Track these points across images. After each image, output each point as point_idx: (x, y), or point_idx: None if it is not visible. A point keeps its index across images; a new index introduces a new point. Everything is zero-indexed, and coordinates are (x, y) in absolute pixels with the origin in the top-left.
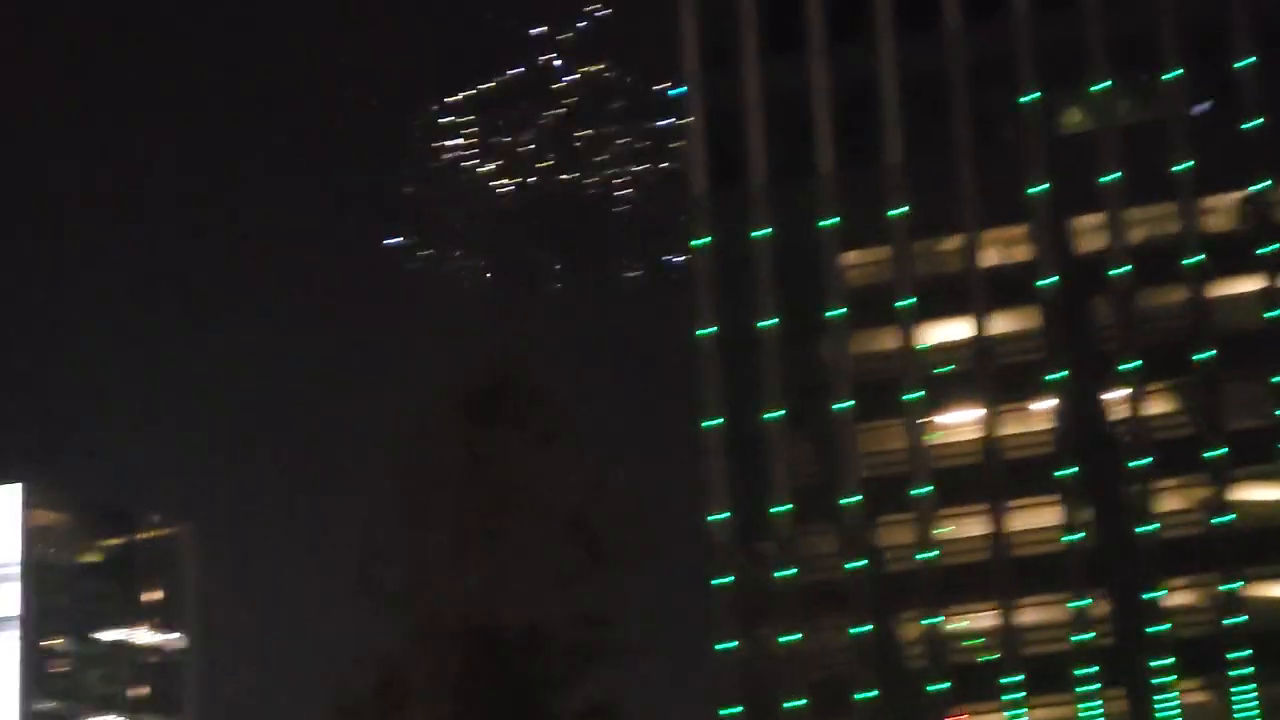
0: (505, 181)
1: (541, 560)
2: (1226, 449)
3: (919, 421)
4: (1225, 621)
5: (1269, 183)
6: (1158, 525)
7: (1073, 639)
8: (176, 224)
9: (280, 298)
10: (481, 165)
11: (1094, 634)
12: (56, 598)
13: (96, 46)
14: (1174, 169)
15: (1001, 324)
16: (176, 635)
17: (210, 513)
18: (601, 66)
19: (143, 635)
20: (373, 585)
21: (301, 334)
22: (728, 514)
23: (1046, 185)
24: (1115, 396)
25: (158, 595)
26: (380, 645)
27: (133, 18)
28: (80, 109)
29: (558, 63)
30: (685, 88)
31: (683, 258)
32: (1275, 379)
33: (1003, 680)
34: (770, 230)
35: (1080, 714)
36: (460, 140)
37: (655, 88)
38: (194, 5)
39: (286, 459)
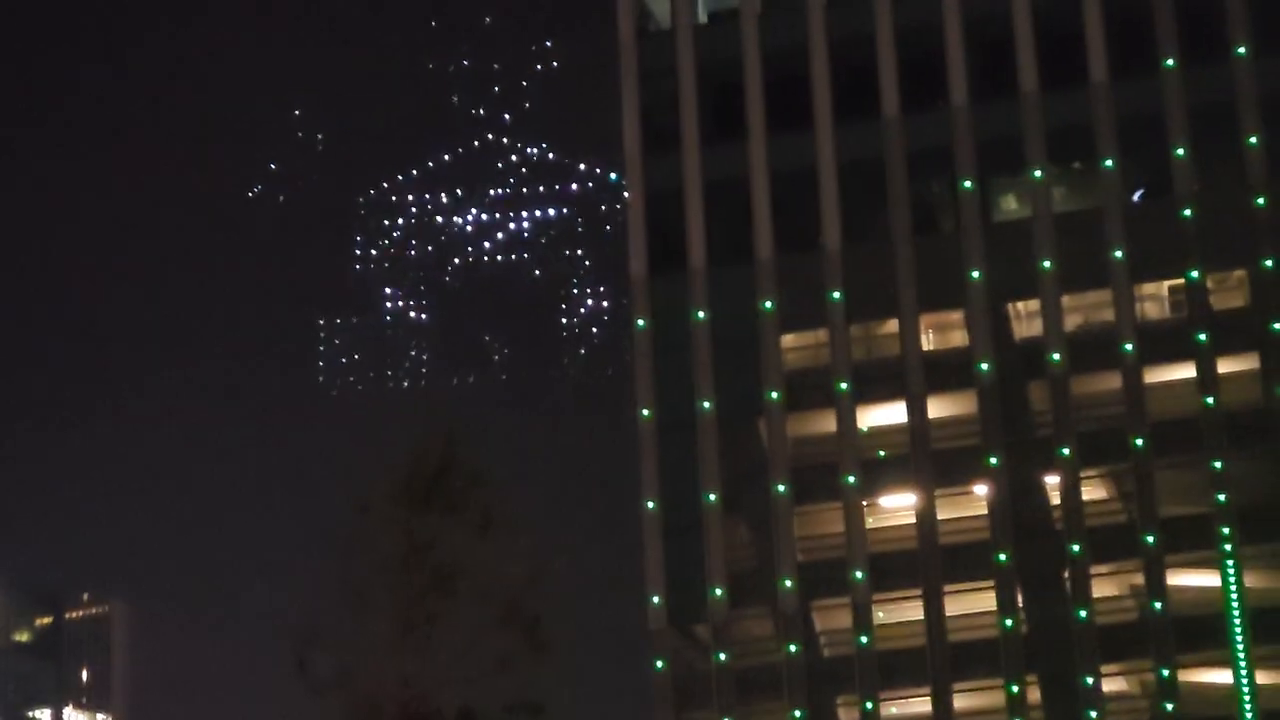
0: (446, 262)
1: (479, 646)
2: (1159, 536)
3: (855, 505)
4: (1158, 708)
5: (1201, 271)
6: (1091, 612)
7: None
8: (106, 299)
9: (219, 376)
10: (423, 245)
11: None
12: None
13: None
14: (1109, 256)
15: (938, 408)
16: (104, 717)
17: (142, 593)
18: (544, 148)
19: (72, 715)
20: (308, 669)
21: (239, 414)
22: (663, 597)
23: (983, 271)
24: (1050, 482)
25: (86, 675)
26: None
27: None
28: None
29: (503, 140)
30: (625, 172)
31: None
32: (1208, 466)
33: None
34: (709, 313)
35: None
36: (401, 221)
37: (597, 171)
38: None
39: (224, 540)
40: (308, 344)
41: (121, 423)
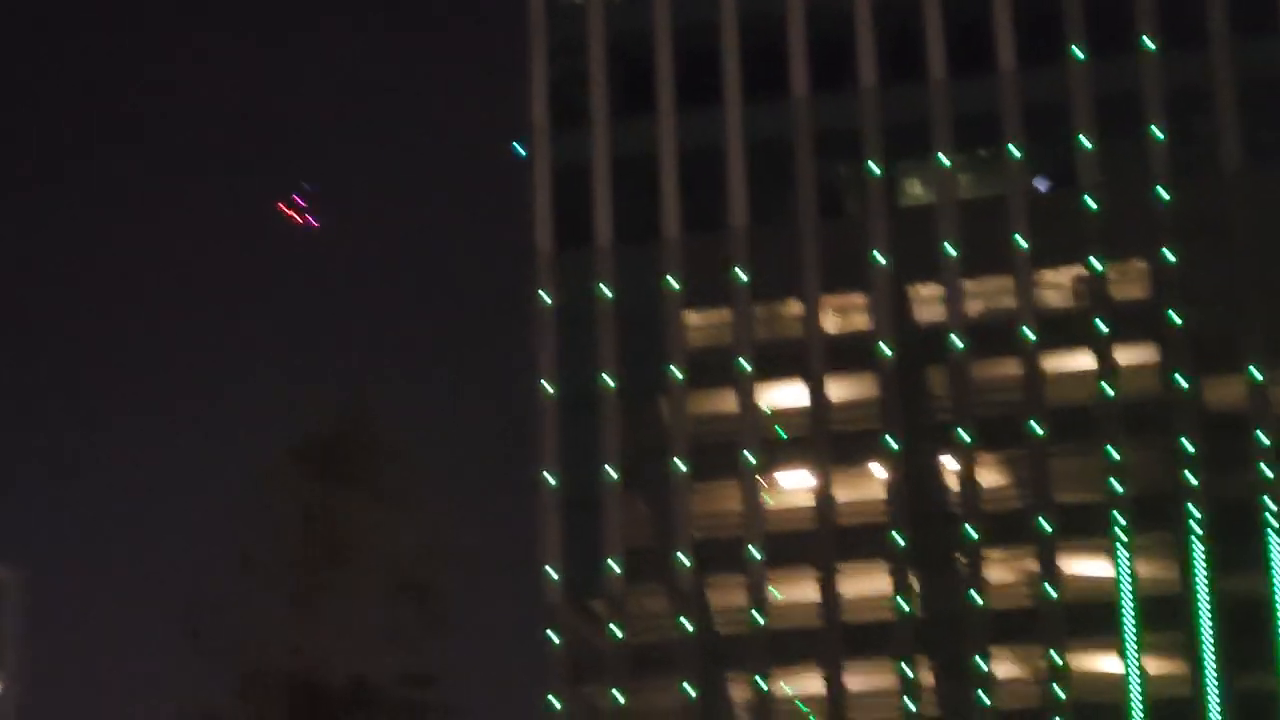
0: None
1: (370, 617)
2: (1053, 522)
3: (753, 484)
4: (1049, 692)
5: (1103, 261)
6: (984, 595)
7: (899, 706)
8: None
9: (115, 328)
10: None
11: (919, 701)
12: None
13: None
14: (1012, 244)
15: (838, 390)
16: None
17: (35, 556)
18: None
19: None
20: (200, 636)
21: (136, 370)
22: (561, 571)
23: (887, 255)
24: (948, 466)
25: None
26: (204, 697)
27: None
28: None
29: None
30: (529, 146)
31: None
32: (1103, 454)
33: None
34: (614, 290)
35: None
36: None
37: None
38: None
39: (119, 504)
40: (216, 304)
41: (14, 383)
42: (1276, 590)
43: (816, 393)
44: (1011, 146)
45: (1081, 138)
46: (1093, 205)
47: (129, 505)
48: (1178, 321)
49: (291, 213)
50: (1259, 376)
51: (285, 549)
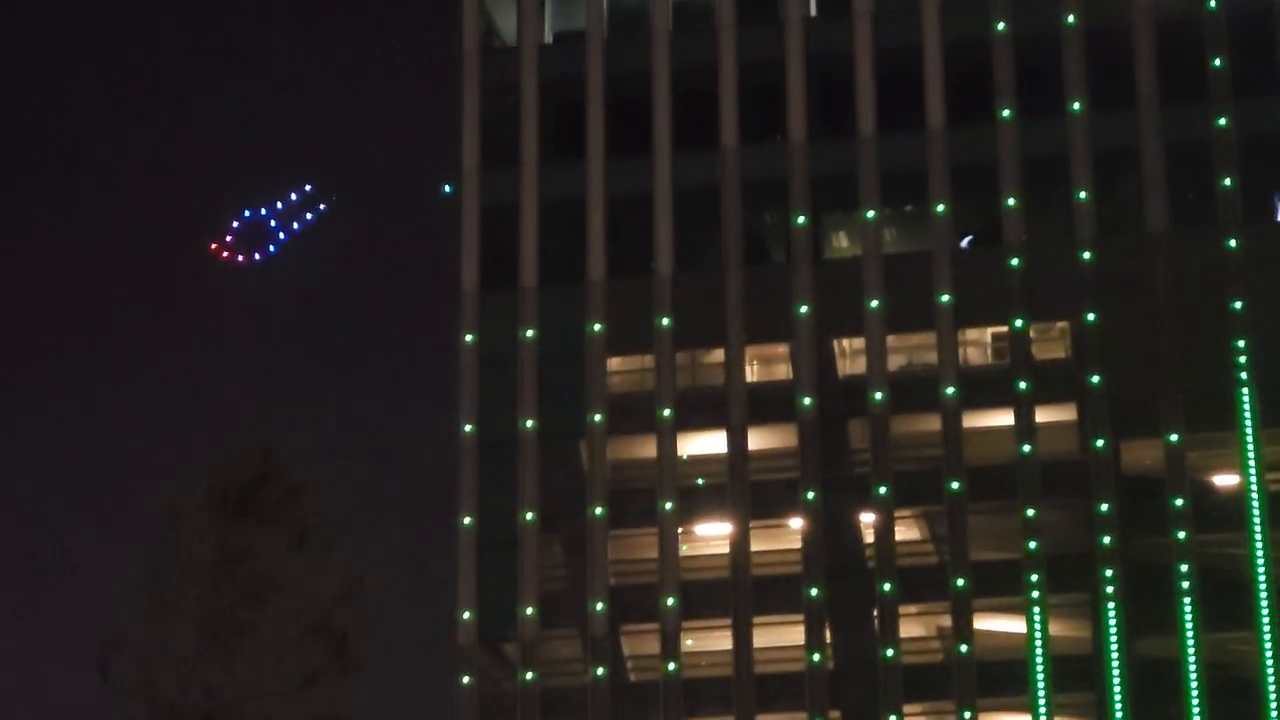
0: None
1: (286, 659)
2: (969, 579)
3: (670, 532)
4: None
5: (1025, 320)
6: (897, 650)
7: None
8: None
9: (28, 355)
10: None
11: None
12: None
13: None
14: (936, 300)
15: (758, 440)
16: None
17: None
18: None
19: None
20: (110, 675)
21: (53, 395)
22: (474, 613)
23: (811, 306)
24: (865, 520)
25: None
26: None
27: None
28: None
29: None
30: (458, 186)
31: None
32: (1021, 513)
33: None
34: (537, 332)
35: None
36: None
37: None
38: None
39: (29, 531)
40: (131, 331)
41: None
42: (1187, 654)
43: (736, 442)
44: (938, 203)
45: (1007, 197)
46: (1016, 264)
47: (40, 534)
48: (1097, 382)
49: (224, 251)
50: (1176, 440)
51: (200, 588)
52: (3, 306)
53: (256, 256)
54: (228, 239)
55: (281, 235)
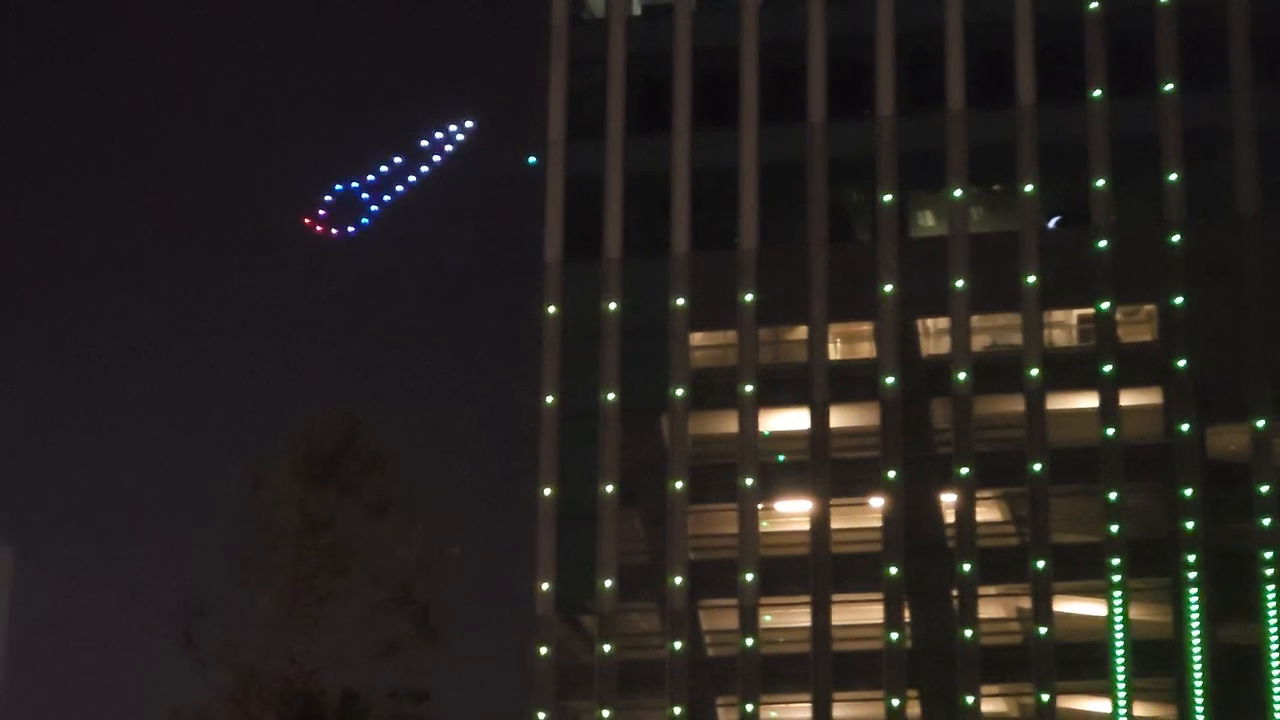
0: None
1: (367, 628)
2: (1049, 561)
3: (750, 508)
4: None
5: (1112, 303)
6: (976, 631)
7: None
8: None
9: (120, 324)
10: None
11: None
12: None
13: None
14: (1022, 281)
15: (840, 418)
16: None
17: (28, 538)
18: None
19: None
20: (194, 639)
21: (138, 368)
22: (552, 585)
23: (896, 285)
24: (946, 500)
25: None
26: (197, 700)
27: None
28: None
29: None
30: (542, 157)
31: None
32: (1103, 496)
33: None
34: (620, 305)
35: None
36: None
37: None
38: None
39: (118, 495)
40: (220, 302)
41: (15, 366)
42: (1269, 640)
43: (818, 420)
44: (1026, 183)
45: (1097, 178)
46: (1104, 246)
47: (129, 496)
48: (1183, 366)
49: (316, 224)
50: (1262, 425)
51: (283, 556)
52: (96, 274)
53: (350, 230)
54: (320, 212)
55: (373, 208)
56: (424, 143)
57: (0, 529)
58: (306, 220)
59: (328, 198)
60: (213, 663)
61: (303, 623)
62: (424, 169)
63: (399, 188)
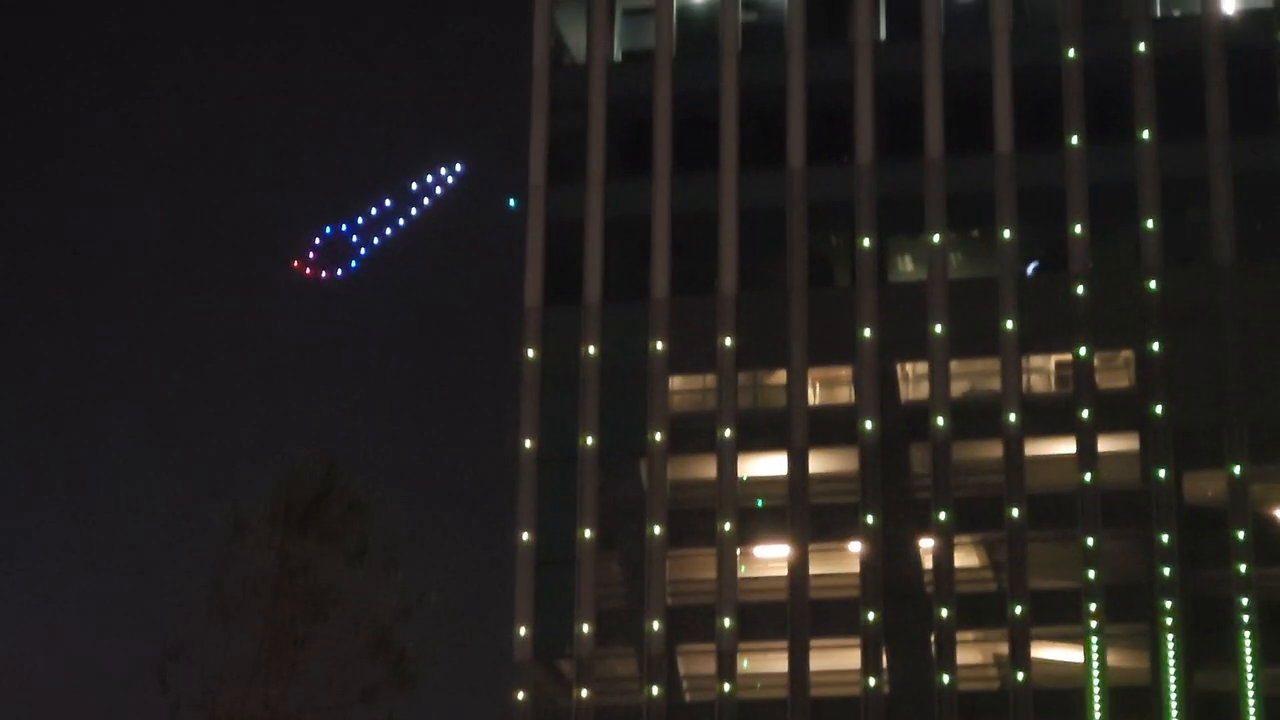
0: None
1: (344, 674)
2: (1027, 607)
3: (729, 553)
4: None
5: (1089, 349)
6: (954, 677)
7: None
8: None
9: (106, 361)
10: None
11: None
12: None
13: None
14: (1000, 326)
15: (819, 463)
16: None
17: (6, 577)
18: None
19: None
20: (169, 684)
21: (128, 402)
22: (530, 629)
23: (875, 330)
24: (924, 545)
25: None
26: None
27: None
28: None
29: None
30: (523, 201)
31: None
32: (1080, 542)
33: None
34: (599, 349)
35: None
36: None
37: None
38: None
39: (95, 533)
40: (203, 346)
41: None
42: (1245, 687)
43: (796, 464)
44: (1004, 228)
45: (1074, 224)
46: (1082, 292)
47: (103, 540)
48: (1161, 413)
49: (305, 267)
50: (1239, 472)
51: (261, 601)
52: (77, 318)
53: (339, 273)
54: (309, 255)
55: (362, 251)
56: (414, 186)
57: None
58: (295, 263)
59: (317, 240)
60: (188, 707)
61: (279, 668)
62: (413, 212)
63: (388, 231)
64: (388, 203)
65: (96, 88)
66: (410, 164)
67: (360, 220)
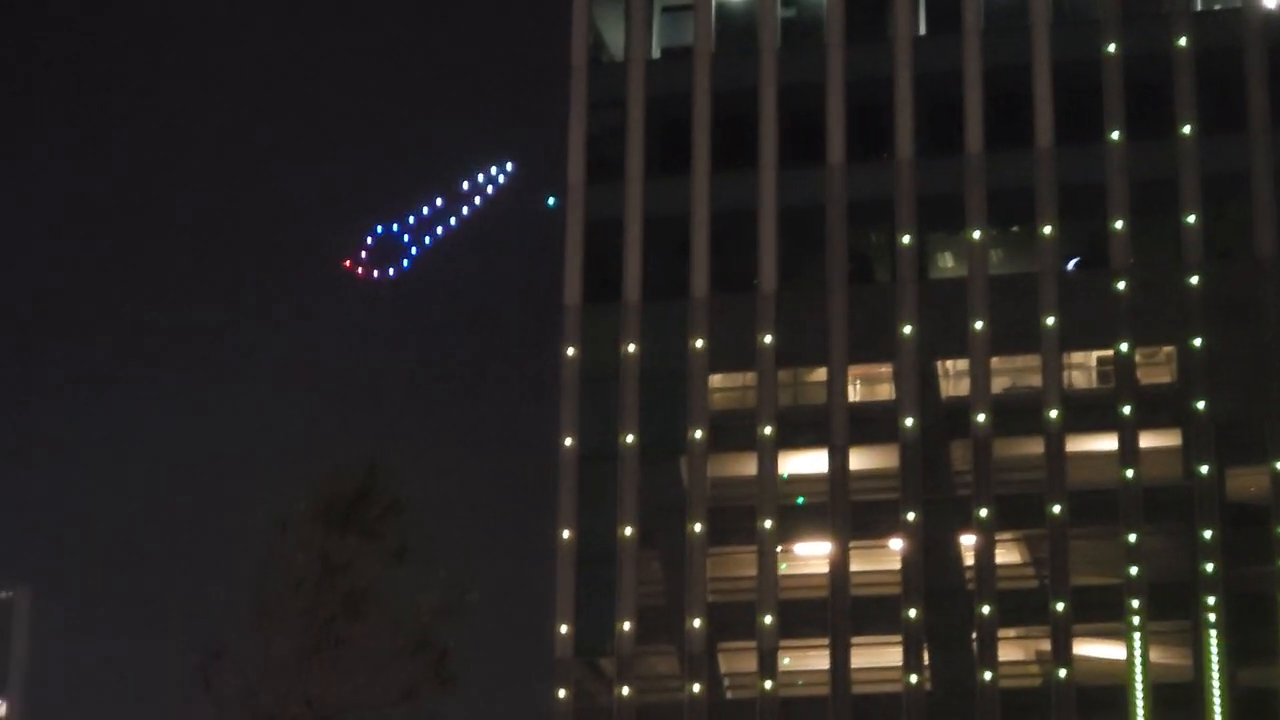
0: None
1: (385, 673)
2: (1069, 603)
3: (769, 551)
4: None
5: (1131, 345)
6: (995, 674)
7: None
8: (17, 279)
9: (143, 364)
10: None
11: None
12: None
13: None
14: (1041, 322)
15: (859, 460)
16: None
17: (48, 582)
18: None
19: None
20: (212, 683)
21: (163, 411)
22: (571, 627)
23: (915, 327)
24: (965, 542)
25: None
26: None
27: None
28: None
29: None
30: (562, 200)
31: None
32: (1122, 538)
33: None
34: (639, 347)
35: None
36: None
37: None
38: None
39: (138, 538)
40: (243, 350)
41: (36, 409)
42: None
43: (837, 462)
44: (1045, 224)
45: (1115, 219)
46: (1123, 287)
47: (149, 539)
48: (1202, 408)
49: (357, 267)
50: None
51: (303, 600)
52: (123, 317)
53: (390, 272)
54: (362, 255)
55: (414, 250)
56: (464, 185)
57: (20, 571)
58: (347, 263)
59: (368, 240)
60: (231, 707)
61: (321, 667)
62: (464, 211)
63: (439, 230)
64: (439, 202)
65: (147, 82)
66: (454, 164)
67: (411, 220)
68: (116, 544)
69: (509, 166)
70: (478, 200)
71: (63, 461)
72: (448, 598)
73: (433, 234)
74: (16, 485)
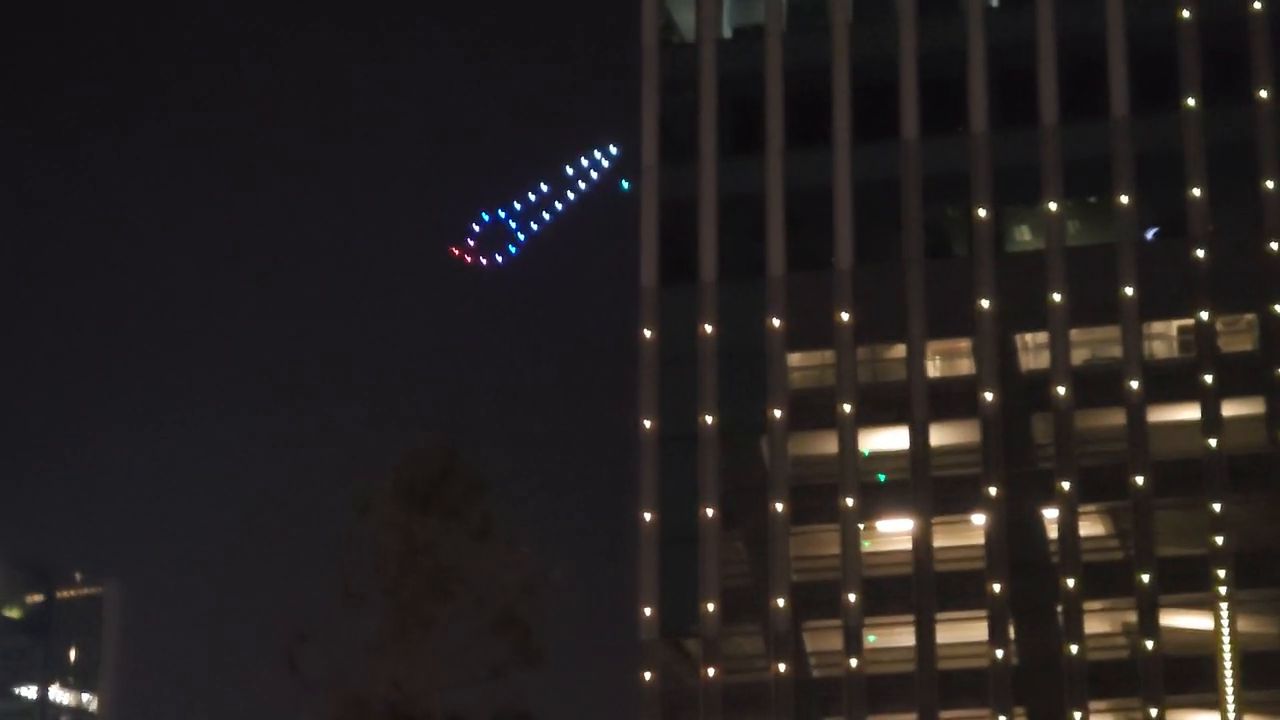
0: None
1: (470, 652)
2: (1154, 575)
3: (852, 528)
4: None
5: (1211, 313)
6: (1082, 647)
7: None
8: (105, 287)
9: (222, 364)
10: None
11: None
12: None
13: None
14: (1120, 293)
15: (940, 436)
16: (90, 697)
17: (137, 576)
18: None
19: (58, 694)
20: (299, 666)
21: (241, 403)
22: (656, 609)
23: (993, 300)
24: (1048, 515)
25: (75, 655)
26: None
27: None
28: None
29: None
30: (636, 182)
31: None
32: (1207, 507)
33: None
34: (717, 327)
35: None
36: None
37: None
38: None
39: (222, 529)
40: (332, 328)
41: (125, 408)
42: None
43: (918, 438)
44: (1122, 194)
45: (1193, 187)
46: (1202, 256)
47: (233, 530)
48: None
49: (465, 255)
50: None
51: (387, 581)
52: (210, 311)
53: (498, 258)
54: (469, 242)
55: (521, 237)
56: (569, 170)
57: (109, 566)
58: (455, 250)
59: (476, 227)
60: (318, 689)
61: (407, 648)
62: (570, 196)
63: (545, 215)
64: (544, 187)
65: (255, 77)
66: (566, 149)
67: (518, 206)
68: (202, 532)
69: (616, 150)
70: (589, 184)
71: (146, 458)
72: (532, 576)
73: (545, 219)
74: (107, 482)
